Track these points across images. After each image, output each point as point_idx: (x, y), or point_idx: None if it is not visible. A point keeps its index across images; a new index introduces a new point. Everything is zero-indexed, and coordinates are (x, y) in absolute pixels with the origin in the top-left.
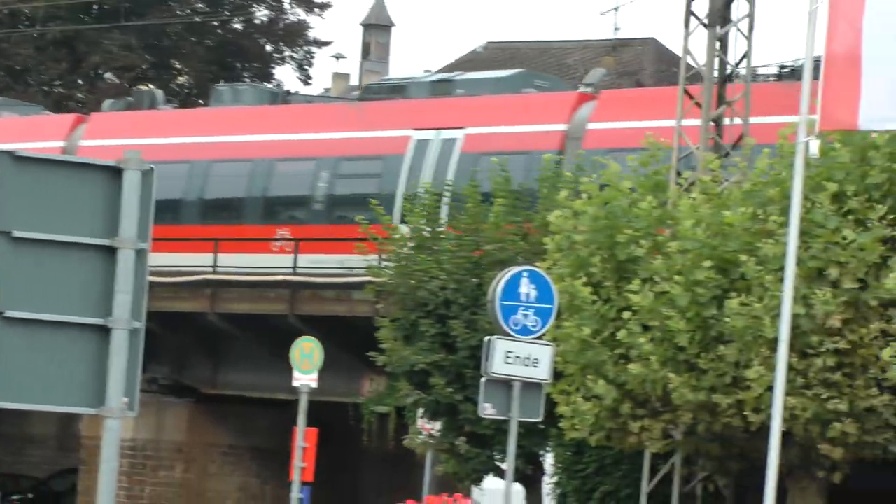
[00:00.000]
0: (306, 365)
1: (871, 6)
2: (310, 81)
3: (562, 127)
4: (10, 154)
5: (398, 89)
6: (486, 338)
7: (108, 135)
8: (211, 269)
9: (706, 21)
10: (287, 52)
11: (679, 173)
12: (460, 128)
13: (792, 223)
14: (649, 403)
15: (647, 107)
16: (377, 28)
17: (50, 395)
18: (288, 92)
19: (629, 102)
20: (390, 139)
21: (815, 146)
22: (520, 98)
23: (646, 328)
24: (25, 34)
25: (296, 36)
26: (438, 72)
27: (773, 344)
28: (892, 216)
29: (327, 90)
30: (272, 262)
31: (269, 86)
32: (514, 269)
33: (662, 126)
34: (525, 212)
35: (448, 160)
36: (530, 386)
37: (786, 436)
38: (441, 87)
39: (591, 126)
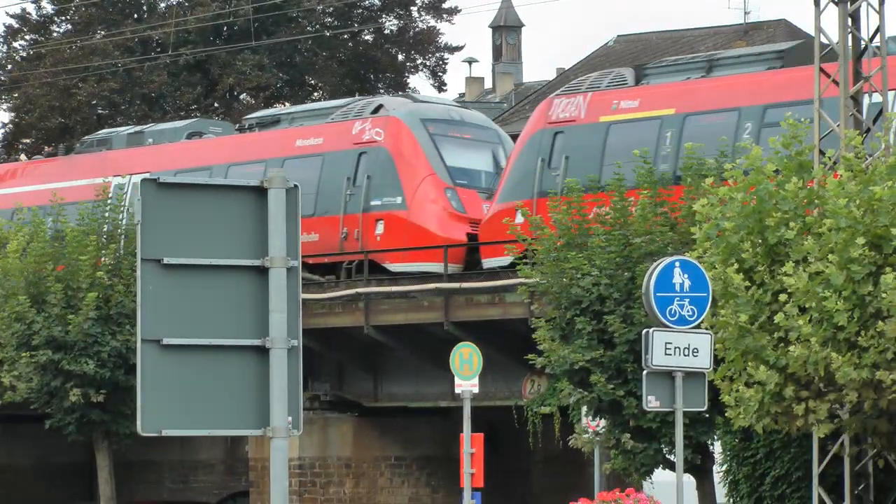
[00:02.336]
0: (466, 371)
1: None
2: (444, 88)
3: None
4: (154, 181)
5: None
6: (644, 330)
7: None
8: (363, 282)
9: None
10: (419, 60)
11: (822, 152)
12: None
13: None
14: (812, 385)
15: None
16: (507, 29)
17: (214, 420)
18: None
19: None
20: None
21: None
22: None
23: (802, 310)
24: (158, 61)
25: (427, 43)
26: (571, 69)
27: None
28: None
29: (462, 95)
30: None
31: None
32: (666, 260)
33: None
34: (669, 202)
35: None
36: (692, 375)
37: None
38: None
39: None
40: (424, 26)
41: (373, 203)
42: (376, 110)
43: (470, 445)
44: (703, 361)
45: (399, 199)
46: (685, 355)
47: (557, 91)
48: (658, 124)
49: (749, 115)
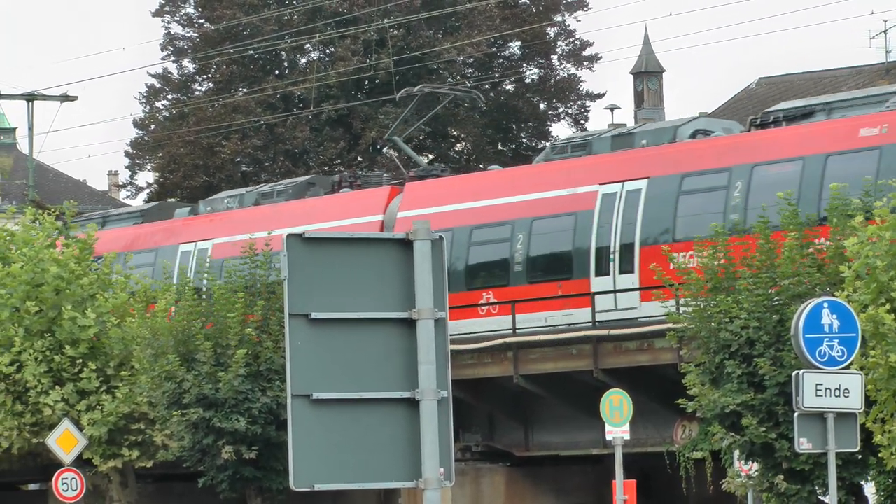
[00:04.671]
0: (617, 417)
1: None
2: None
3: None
4: (300, 236)
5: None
6: (794, 373)
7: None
8: (510, 332)
9: None
10: (561, 108)
11: None
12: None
13: None
14: None
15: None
16: (648, 75)
17: (366, 473)
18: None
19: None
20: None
21: None
22: None
23: None
24: (300, 116)
25: (568, 91)
26: (713, 113)
27: None
28: None
29: None
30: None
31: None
32: (815, 301)
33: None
34: (815, 243)
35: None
36: (844, 416)
37: None
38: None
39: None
40: (565, 74)
41: None
42: None
43: (623, 492)
44: (855, 402)
45: None
46: (836, 396)
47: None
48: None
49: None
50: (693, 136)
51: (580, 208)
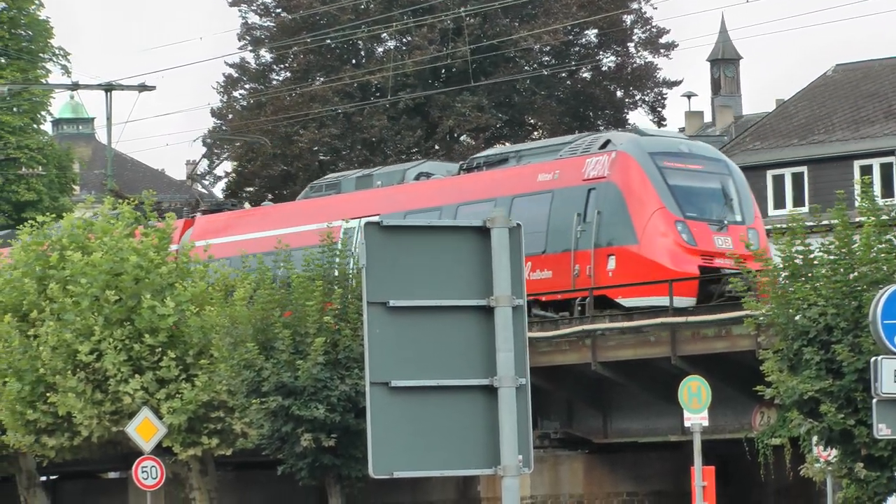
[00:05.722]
0: (695, 404)
1: None
2: (664, 123)
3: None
4: (378, 224)
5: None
6: (873, 359)
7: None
8: (589, 319)
9: None
10: (638, 96)
11: None
12: None
13: None
14: None
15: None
16: (725, 62)
17: (445, 460)
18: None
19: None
20: None
21: None
22: None
23: None
24: (377, 105)
25: (645, 79)
26: (790, 100)
27: None
28: None
29: (682, 129)
30: None
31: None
32: (892, 287)
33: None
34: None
35: None
36: None
37: None
38: None
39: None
40: (642, 62)
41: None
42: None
43: (702, 479)
44: None
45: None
46: None
47: None
48: None
49: None
50: (417, 178)
51: (329, 241)
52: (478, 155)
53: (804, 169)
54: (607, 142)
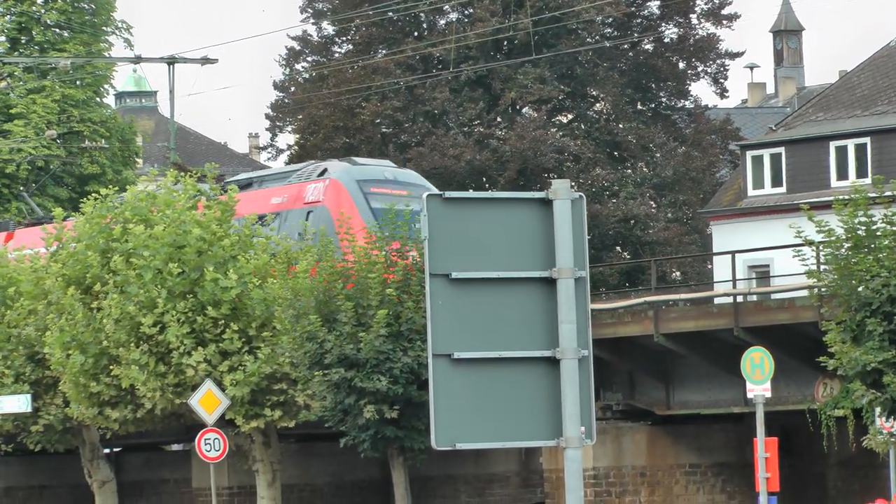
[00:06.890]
0: (758, 375)
1: None
2: (726, 94)
3: None
4: (440, 196)
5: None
6: None
7: None
8: (651, 291)
9: None
10: (700, 68)
11: None
12: None
13: None
14: None
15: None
16: (787, 33)
17: (507, 432)
18: None
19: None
20: None
21: None
22: None
23: None
24: (439, 78)
25: (707, 50)
26: (853, 71)
27: None
28: None
29: (744, 101)
30: None
31: None
32: None
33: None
34: None
35: None
36: None
37: None
38: None
39: None
40: (704, 33)
41: None
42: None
43: (764, 450)
44: None
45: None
46: None
47: None
48: None
49: None
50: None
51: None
52: (229, 179)
53: (867, 140)
54: (324, 170)
